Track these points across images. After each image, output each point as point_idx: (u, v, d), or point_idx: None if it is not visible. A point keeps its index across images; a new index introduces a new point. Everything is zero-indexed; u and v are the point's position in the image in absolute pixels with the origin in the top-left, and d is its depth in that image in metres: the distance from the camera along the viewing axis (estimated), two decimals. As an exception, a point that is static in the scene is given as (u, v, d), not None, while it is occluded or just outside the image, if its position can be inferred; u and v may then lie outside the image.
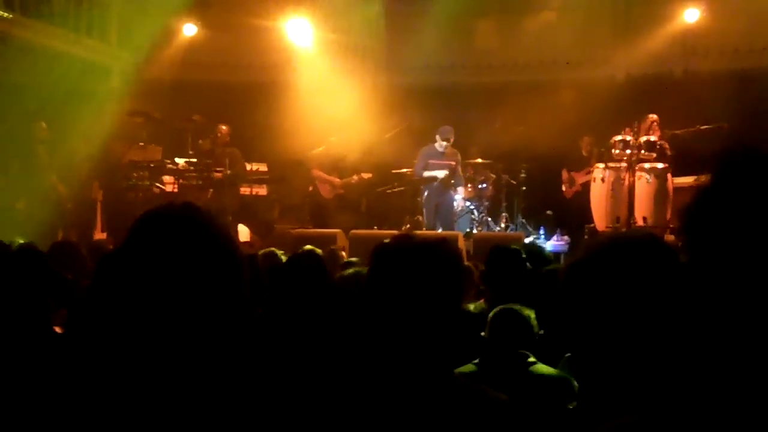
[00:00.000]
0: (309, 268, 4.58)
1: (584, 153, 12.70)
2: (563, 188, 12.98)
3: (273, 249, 6.57)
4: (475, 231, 12.07)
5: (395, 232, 11.19)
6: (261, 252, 6.28)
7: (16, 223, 9.57)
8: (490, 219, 12.71)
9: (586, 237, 11.28)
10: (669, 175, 11.02)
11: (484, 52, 14.28)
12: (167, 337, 1.72)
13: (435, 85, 13.94)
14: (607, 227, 11.09)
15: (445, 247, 2.28)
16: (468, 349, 3.68)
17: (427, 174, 12.03)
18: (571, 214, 12.55)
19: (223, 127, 12.68)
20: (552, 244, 11.90)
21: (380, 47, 13.66)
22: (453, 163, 12.08)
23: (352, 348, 2.84)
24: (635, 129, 11.30)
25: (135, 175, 11.79)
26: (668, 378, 1.51)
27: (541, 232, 12.78)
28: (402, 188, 13.01)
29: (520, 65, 14.13)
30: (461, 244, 10.33)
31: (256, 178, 12.95)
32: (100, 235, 11.47)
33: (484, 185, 12.70)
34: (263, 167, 13.21)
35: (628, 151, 11.09)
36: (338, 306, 3.79)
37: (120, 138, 12.05)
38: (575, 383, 3.36)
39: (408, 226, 12.30)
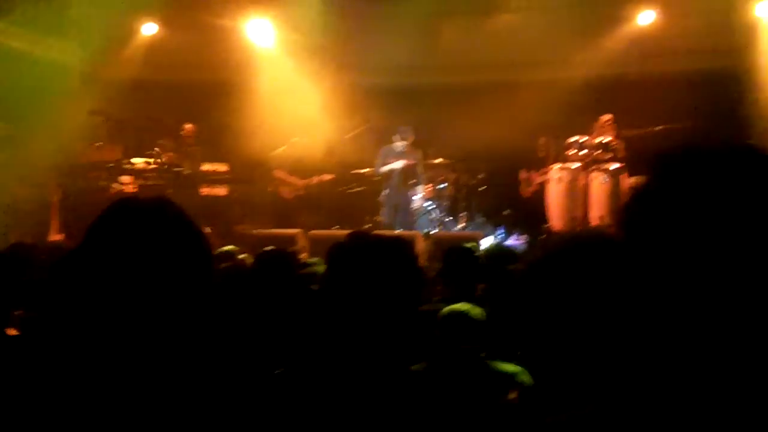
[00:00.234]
0: (278, 267, 4.63)
1: (540, 153, 12.83)
2: (521, 188, 13.11)
3: (230, 248, 6.62)
4: (434, 231, 12.16)
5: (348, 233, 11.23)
6: (217, 251, 6.30)
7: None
8: (449, 218, 12.81)
9: (543, 236, 11.42)
10: (624, 176, 11.17)
11: (446, 52, 14.34)
12: (133, 334, 1.71)
13: (396, 86, 13.96)
14: (563, 227, 11.24)
15: (400, 245, 2.33)
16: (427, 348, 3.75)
17: (385, 169, 12.09)
18: (529, 214, 12.66)
19: (188, 126, 12.66)
20: (510, 244, 12.01)
21: (342, 47, 13.66)
22: (412, 162, 12.16)
23: (310, 345, 2.88)
24: (591, 129, 11.49)
25: (93, 175, 11.73)
26: (615, 373, 1.59)
27: (500, 231, 12.90)
28: (362, 188, 13.08)
29: (481, 66, 14.18)
30: (420, 243, 10.42)
31: (217, 178, 12.94)
32: (56, 237, 11.38)
33: (444, 185, 12.81)
34: (223, 167, 13.20)
35: (583, 152, 11.25)
36: (301, 304, 3.85)
37: (79, 138, 11.97)
38: (529, 378, 3.44)
39: (368, 225, 12.37)
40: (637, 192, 1.35)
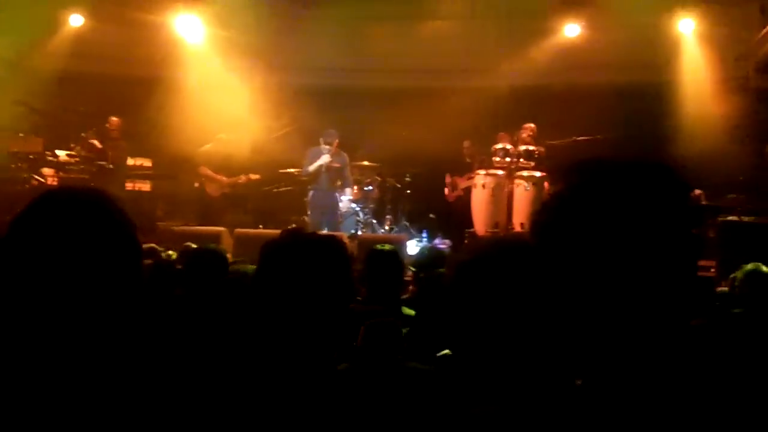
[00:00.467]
0: (211, 264, 4.62)
1: (467, 159, 12.99)
2: (446, 192, 13.25)
3: (153, 245, 6.58)
4: (360, 232, 12.22)
5: (280, 231, 11.24)
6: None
7: None
8: (375, 221, 12.89)
9: (466, 241, 11.58)
10: (546, 184, 11.39)
11: (375, 56, 14.41)
12: (58, 326, 1.68)
13: (325, 87, 13.98)
14: (486, 232, 11.41)
15: (335, 244, 2.34)
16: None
17: (311, 168, 12.11)
18: (452, 218, 12.82)
19: (114, 119, 12.48)
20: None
21: (273, 47, 13.64)
22: (338, 165, 12.19)
23: (241, 343, 2.87)
24: (515, 138, 11.69)
25: (14, 166, 11.51)
26: (536, 370, 1.67)
27: (424, 235, 13.03)
28: (289, 188, 13.07)
29: (409, 71, 14.28)
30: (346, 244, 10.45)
31: (141, 173, 12.80)
32: (-26, 227, 11.12)
33: (370, 188, 12.88)
34: (147, 162, 13.06)
35: (507, 159, 11.45)
36: (231, 302, 3.85)
37: (1, 128, 11.74)
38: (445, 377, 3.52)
39: (294, 225, 12.36)
40: (549, 200, 1.43)
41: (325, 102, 13.29)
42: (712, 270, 8.78)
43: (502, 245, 2.02)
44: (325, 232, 11.59)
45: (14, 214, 1.76)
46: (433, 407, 2.78)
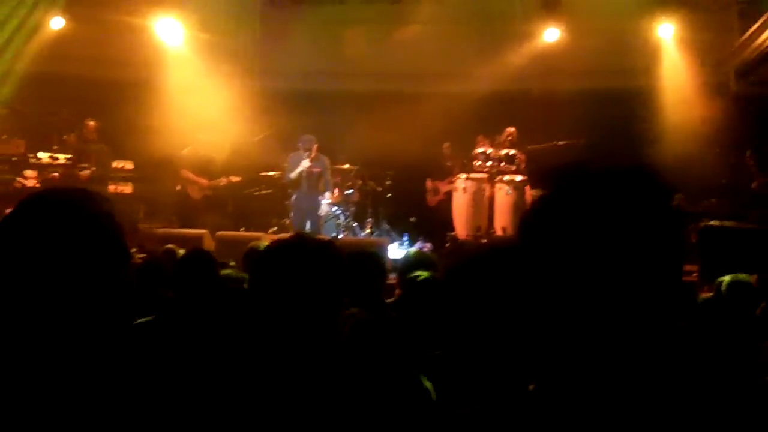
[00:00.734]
0: (202, 266, 4.64)
1: (447, 162, 13.05)
2: (427, 197, 13.30)
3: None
4: (341, 236, 12.24)
5: (262, 234, 11.30)
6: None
7: None
8: (355, 224, 12.91)
9: (447, 244, 11.63)
10: (527, 188, 11.46)
11: (355, 60, 14.44)
12: (45, 330, 1.68)
13: (305, 91, 14.00)
14: (467, 236, 11.47)
15: (333, 249, 2.38)
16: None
17: (293, 174, 12.13)
18: (433, 222, 12.88)
19: (91, 123, 12.45)
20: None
21: (252, 50, 13.65)
22: (318, 169, 12.21)
23: (236, 344, 2.87)
24: (496, 142, 11.76)
25: (-4, 168, 11.49)
26: (524, 370, 1.71)
27: (405, 238, 13.07)
28: (270, 191, 13.09)
29: (389, 75, 14.31)
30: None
31: (122, 176, 12.78)
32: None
33: (351, 191, 12.91)
34: (129, 165, 13.03)
35: (488, 164, 11.51)
36: (224, 304, 3.88)
37: (-20, 130, 11.73)
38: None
39: (275, 228, 12.38)
40: (534, 204, 1.48)
41: (305, 105, 13.31)
42: (694, 275, 8.85)
43: (492, 249, 2.07)
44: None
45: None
46: (422, 406, 2.81)
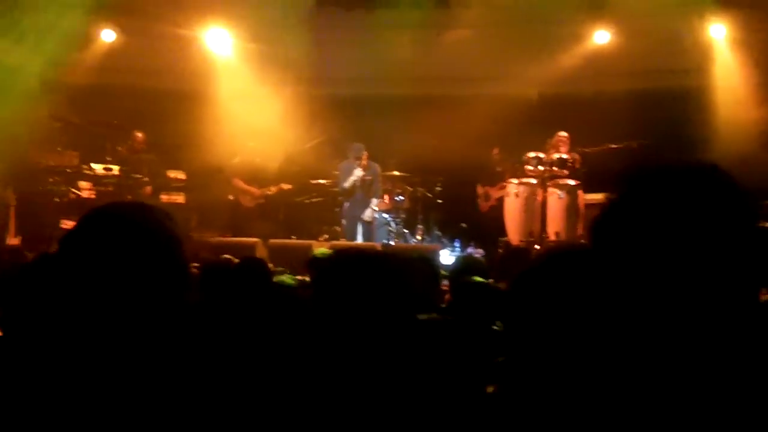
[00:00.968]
0: (256, 273, 4.68)
1: (497, 167, 12.99)
2: (479, 203, 13.25)
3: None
4: (392, 243, 12.23)
5: (314, 242, 11.34)
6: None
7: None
8: (406, 231, 12.90)
9: (500, 250, 11.56)
10: (580, 192, 11.36)
11: (403, 65, 14.41)
12: (109, 339, 1.70)
13: (354, 97, 14.02)
14: (520, 241, 11.39)
15: (401, 257, 2.38)
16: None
17: (347, 184, 12.22)
18: (484, 228, 12.81)
19: (138, 134, 12.66)
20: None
21: (301, 58, 13.71)
22: (370, 178, 12.26)
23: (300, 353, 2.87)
24: (547, 146, 11.68)
25: (51, 180, 11.64)
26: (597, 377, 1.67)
27: (456, 244, 13.02)
28: (320, 199, 13.14)
29: (437, 79, 14.29)
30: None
31: (175, 186, 12.92)
32: (13, 240, 11.26)
33: (401, 198, 12.91)
34: (181, 175, 13.18)
35: (541, 168, 11.42)
36: (279, 311, 3.88)
37: (37, 142, 11.89)
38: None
39: (326, 236, 12.42)
40: (606, 207, 1.44)
41: (354, 111, 13.35)
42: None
43: (564, 253, 2.03)
44: (360, 241, 11.70)
45: (62, 231, 1.78)
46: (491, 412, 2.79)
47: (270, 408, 2.17)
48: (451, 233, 13.30)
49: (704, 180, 1.38)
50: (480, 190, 13.23)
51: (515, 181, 11.73)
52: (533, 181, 11.60)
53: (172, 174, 12.95)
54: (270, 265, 8.03)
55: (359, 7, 14.24)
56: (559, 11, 13.46)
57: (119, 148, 12.42)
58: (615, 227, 1.40)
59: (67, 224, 10.03)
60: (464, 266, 5.98)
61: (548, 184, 11.48)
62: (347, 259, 2.39)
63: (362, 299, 2.27)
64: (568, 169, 11.44)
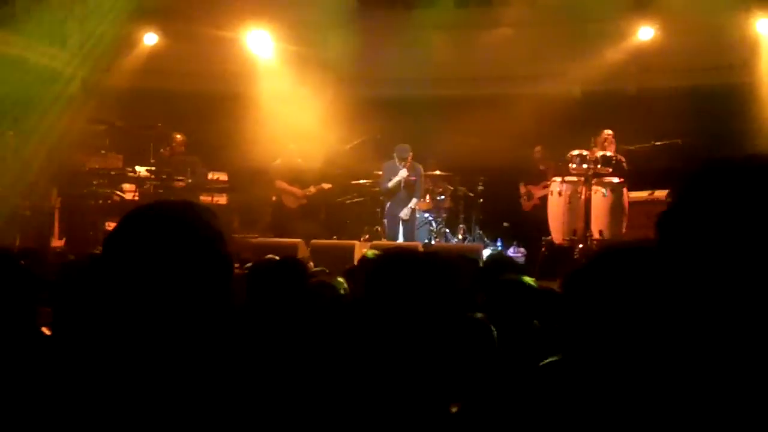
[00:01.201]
0: (293, 272, 4.66)
1: (540, 166, 12.91)
2: (521, 201, 13.17)
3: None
4: (434, 242, 12.21)
5: (356, 242, 11.35)
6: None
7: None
8: (448, 230, 12.87)
9: (543, 249, 11.47)
10: (624, 190, 11.22)
11: (445, 64, 14.39)
12: (156, 339, 1.70)
13: (395, 98, 14.02)
14: (564, 240, 11.29)
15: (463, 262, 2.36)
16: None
17: (390, 184, 12.25)
18: (527, 227, 12.73)
19: (178, 136, 12.78)
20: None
21: (342, 59, 13.73)
22: (414, 178, 12.28)
23: (340, 354, 2.86)
24: (591, 144, 11.55)
25: (95, 182, 11.77)
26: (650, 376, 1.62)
27: (498, 243, 12.96)
28: (361, 199, 13.15)
29: (478, 79, 14.25)
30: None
31: (217, 187, 13.01)
32: (57, 243, 11.40)
33: (442, 197, 12.88)
34: (223, 176, 13.27)
35: (584, 166, 11.29)
36: (316, 311, 3.86)
37: (80, 145, 12.04)
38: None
39: (367, 236, 12.42)
40: (671, 205, 1.39)
41: (395, 112, 13.34)
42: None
43: (620, 251, 1.98)
44: (400, 242, 11.68)
45: (105, 233, 1.79)
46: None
47: (318, 406, 2.15)
48: (494, 232, 13.25)
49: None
50: (522, 188, 13.16)
51: (558, 179, 11.62)
52: (577, 179, 11.46)
53: (215, 175, 13.03)
54: (310, 264, 8.07)
55: (400, 6, 14.24)
56: (602, 8, 13.33)
57: (162, 151, 12.53)
58: (684, 225, 1.35)
59: (111, 226, 10.13)
60: (497, 264, 5.92)
61: (592, 182, 11.34)
62: (397, 259, 2.35)
63: (415, 299, 2.24)
64: (612, 167, 11.29)
